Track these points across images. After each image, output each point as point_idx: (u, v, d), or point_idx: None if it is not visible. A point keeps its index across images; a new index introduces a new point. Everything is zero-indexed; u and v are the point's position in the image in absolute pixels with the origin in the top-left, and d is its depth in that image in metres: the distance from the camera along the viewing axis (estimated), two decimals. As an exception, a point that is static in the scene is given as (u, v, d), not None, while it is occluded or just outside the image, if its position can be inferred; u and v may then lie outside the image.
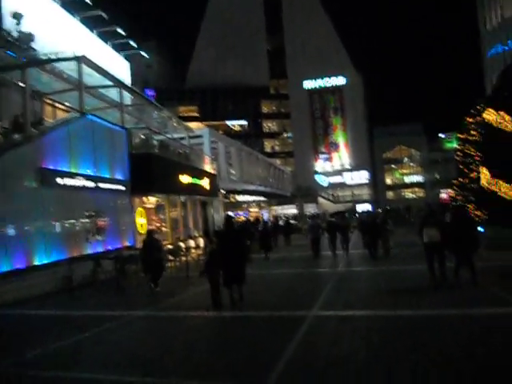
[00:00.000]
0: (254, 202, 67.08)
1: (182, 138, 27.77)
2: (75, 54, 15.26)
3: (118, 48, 29.15)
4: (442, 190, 74.18)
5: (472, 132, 19.66)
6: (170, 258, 15.59)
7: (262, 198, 61.76)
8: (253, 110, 78.52)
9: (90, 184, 14.44)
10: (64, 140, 13.49)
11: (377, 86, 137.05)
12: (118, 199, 16.64)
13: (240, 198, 68.09)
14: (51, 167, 12.74)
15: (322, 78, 76.51)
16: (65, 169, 13.39)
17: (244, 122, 79.04)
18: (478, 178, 17.41)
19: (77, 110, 15.87)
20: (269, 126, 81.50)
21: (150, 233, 12.96)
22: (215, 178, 29.07)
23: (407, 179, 76.91)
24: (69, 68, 17.89)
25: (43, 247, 12.11)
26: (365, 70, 77.80)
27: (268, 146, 79.91)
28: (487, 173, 16.39)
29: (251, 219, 37.43)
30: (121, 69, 26.93)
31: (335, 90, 76.74)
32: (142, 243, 12.82)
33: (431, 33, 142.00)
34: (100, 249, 14.92)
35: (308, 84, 77.07)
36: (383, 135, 73.56)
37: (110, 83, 18.38)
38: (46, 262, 12.06)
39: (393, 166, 76.94)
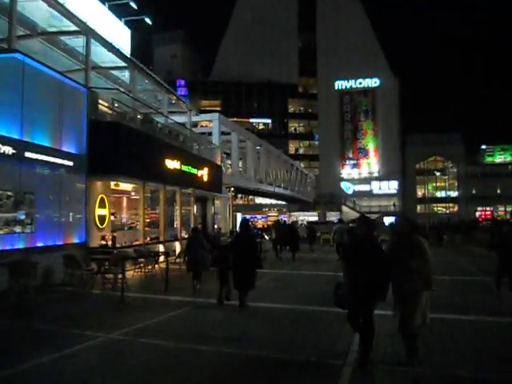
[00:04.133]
0: (273, 206, 62.52)
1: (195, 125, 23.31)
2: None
3: (120, 14, 24.92)
4: (478, 208, 68.19)
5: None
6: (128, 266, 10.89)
7: (281, 202, 57.22)
8: (279, 109, 74.08)
9: (7, 150, 10.00)
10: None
11: (413, 92, 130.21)
12: (62, 178, 12.14)
13: (259, 200, 63.92)
14: None
15: (355, 80, 71.29)
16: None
17: (269, 121, 74.61)
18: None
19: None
20: (294, 126, 76.72)
21: (194, 230, 13.24)
22: (219, 171, 24.46)
23: (440, 193, 70.74)
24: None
25: None
26: (401, 74, 72.38)
27: (292, 147, 75.08)
28: None
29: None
30: (120, 37, 22.49)
31: (368, 92, 71.37)
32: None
33: (473, 38, 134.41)
34: (21, 245, 10.44)
35: (339, 84, 71.95)
36: (417, 143, 67.76)
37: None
38: None
39: (425, 177, 70.84)
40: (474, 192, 68.24)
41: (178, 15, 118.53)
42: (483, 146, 70.68)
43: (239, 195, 47.88)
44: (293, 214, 61.46)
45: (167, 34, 76.70)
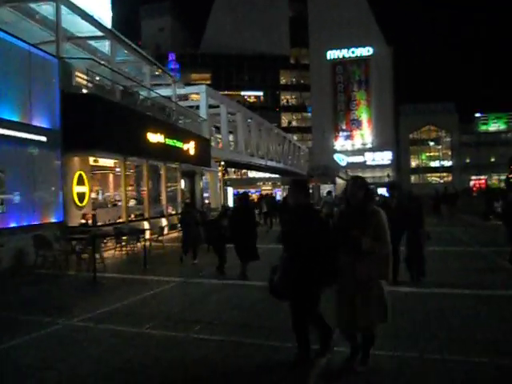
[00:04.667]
0: (267, 179, 62.03)
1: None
2: None
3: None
4: (472, 177, 68.08)
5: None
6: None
7: (274, 176, 56.83)
8: (270, 81, 72.66)
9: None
10: None
11: (407, 61, 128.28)
12: (36, 155, 11.57)
13: (253, 174, 63.29)
14: None
15: (348, 49, 69.83)
16: None
17: (260, 93, 73.29)
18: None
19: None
20: (287, 98, 75.50)
21: (186, 205, 13.96)
22: (207, 145, 23.87)
23: (434, 163, 70.42)
24: None
25: None
26: (395, 42, 70.93)
27: (285, 120, 74.06)
28: None
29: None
30: (99, 6, 21.37)
31: (361, 61, 70.03)
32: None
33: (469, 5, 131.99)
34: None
35: (332, 54, 70.51)
36: (410, 113, 67.03)
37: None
38: None
39: (419, 147, 70.36)
40: (467, 161, 68.06)
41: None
42: (477, 115, 70.06)
43: (232, 169, 47.29)
44: (287, 187, 60.97)
45: (154, 5, 74.50)
